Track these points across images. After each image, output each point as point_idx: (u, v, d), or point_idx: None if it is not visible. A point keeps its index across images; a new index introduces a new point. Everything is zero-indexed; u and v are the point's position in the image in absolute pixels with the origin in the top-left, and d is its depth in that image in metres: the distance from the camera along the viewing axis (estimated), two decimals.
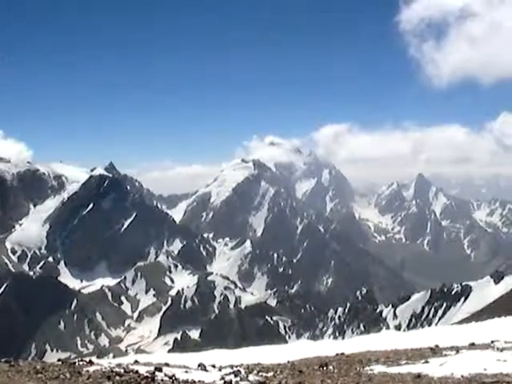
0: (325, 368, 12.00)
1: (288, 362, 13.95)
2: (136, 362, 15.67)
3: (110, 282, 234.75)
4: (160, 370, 12.63)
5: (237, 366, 13.81)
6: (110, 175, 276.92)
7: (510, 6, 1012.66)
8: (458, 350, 13.24)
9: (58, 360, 14.18)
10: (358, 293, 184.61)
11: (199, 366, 13.99)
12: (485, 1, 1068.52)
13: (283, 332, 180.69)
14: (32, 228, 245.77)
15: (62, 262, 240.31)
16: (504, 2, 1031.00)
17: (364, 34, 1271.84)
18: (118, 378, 11.07)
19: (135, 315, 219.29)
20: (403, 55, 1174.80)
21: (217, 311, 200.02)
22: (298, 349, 18.23)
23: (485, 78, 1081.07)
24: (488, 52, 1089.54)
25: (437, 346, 14.89)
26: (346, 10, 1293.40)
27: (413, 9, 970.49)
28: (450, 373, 9.99)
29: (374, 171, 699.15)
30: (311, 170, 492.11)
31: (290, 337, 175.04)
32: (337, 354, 14.94)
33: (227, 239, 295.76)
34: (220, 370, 13.75)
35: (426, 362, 11.02)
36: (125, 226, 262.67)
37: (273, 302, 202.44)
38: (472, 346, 14.51)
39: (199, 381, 11.81)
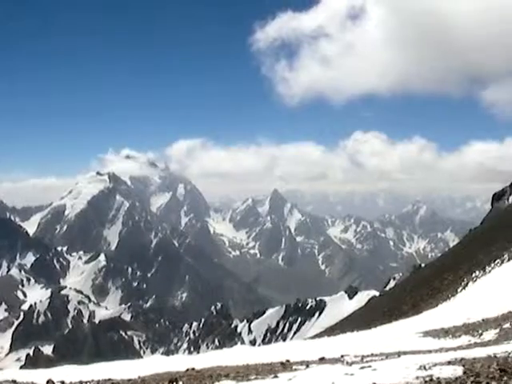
0: (174, 383, 12.61)
1: (139, 377, 14.60)
2: None
3: None
4: None
5: (87, 382, 14.58)
6: None
7: (361, 27, 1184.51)
8: (307, 364, 14.06)
9: None
10: (212, 308, 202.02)
11: (48, 382, 14.59)
12: (337, 23, 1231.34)
13: (138, 347, 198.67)
14: None
15: None
16: (356, 24, 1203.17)
17: (219, 51, 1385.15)
18: None
19: None
20: (257, 74, 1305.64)
21: (70, 326, 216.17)
22: (151, 364, 19.05)
23: (338, 97, 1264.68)
24: (340, 72, 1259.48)
25: (288, 360, 15.97)
26: (201, 27, 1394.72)
27: (267, 29, 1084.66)
28: None
29: (229, 186, 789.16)
30: (166, 184, 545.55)
31: (144, 352, 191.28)
32: (187, 370, 15.65)
33: (81, 253, 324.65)
34: None
35: (276, 376, 11.71)
36: None
37: (127, 317, 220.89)
38: (322, 360, 15.52)
39: None
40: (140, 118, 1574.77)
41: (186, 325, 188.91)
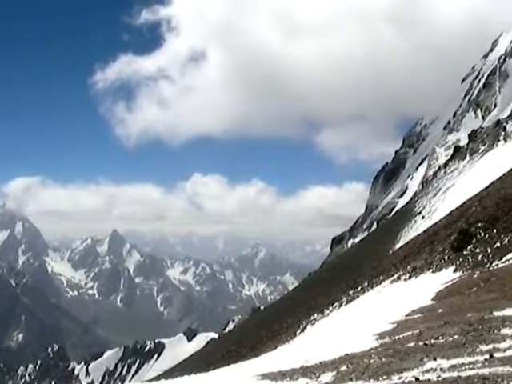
0: None
1: None
2: None
3: None
4: None
5: None
6: None
7: (201, 70, 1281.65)
8: None
9: None
10: (49, 349, 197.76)
11: None
12: (178, 65, 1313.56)
13: None
14: None
15: None
16: (196, 67, 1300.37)
17: (58, 89, 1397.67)
18: None
19: None
20: (96, 114, 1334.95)
21: None
22: None
23: (177, 139, 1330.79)
24: (179, 114, 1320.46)
25: None
26: (41, 64, 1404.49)
27: (107, 70, 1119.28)
28: None
29: (68, 225, 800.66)
30: (4, 222, 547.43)
31: None
32: None
33: None
34: None
35: None
36: None
37: None
38: None
39: None
40: None
41: (22, 367, 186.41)
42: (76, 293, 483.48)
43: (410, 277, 25.70)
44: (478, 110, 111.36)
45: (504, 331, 9.60)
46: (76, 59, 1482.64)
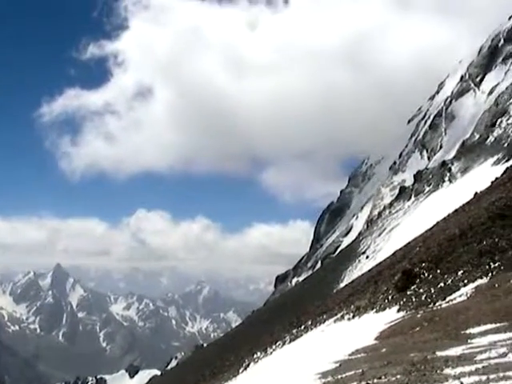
0: None
1: None
2: None
3: None
4: None
5: None
6: None
7: (147, 106, 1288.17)
8: None
9: None
10: None
11: None
12: (125, 101, 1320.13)
13: None
14: None
15: None
16: (143, 103, 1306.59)
17: (4, 123, 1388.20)
18: None
19: None
20: (41, 147, 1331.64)
21: None
22: None
23: (122, 174, 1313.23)
24: (124, 149, 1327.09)
25: None
26: None
27: (53, 104, 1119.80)
28: None
29: (10, 258, 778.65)
30: None
31: None
32: None
33: None
34: None
35: None
36: None
37: None
38: None
39: None
40: None
41: None
42: (17, 327, 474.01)
43: (353, 316, 25.79)
44: (424, 151, 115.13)
45: (447, 371, 9.60)
46: (22, 93, 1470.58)
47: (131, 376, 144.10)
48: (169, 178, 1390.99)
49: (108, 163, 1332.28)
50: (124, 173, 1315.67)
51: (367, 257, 64.90)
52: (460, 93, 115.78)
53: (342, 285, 56.96)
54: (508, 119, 75.99)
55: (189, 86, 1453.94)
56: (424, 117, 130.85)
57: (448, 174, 72.94)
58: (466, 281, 20.16)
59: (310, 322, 32.95)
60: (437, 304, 19.51)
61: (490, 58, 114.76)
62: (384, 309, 23.21)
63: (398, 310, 21.39)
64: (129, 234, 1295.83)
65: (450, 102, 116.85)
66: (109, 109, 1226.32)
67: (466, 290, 19.21)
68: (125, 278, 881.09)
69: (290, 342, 31.12)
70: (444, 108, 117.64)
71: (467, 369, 9.36)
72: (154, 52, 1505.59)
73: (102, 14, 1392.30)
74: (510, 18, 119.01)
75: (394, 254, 40.88)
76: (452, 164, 75.45)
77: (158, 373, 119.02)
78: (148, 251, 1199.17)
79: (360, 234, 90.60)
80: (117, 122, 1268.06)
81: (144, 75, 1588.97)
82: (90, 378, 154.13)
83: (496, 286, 17.69)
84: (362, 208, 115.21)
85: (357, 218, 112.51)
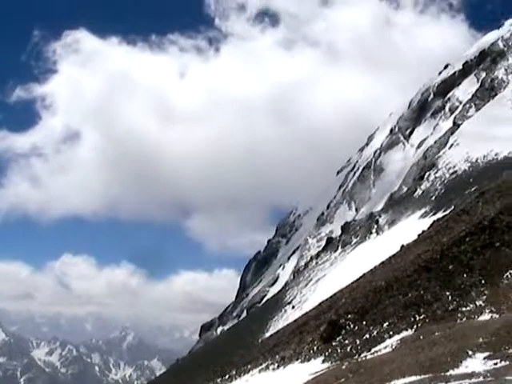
0: None
1: None
2: None
3: None
4: None
5: None
6: None
7: (75, 150, 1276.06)
8: None
9: None
10: None
11: None
12: (52, 144, 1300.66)
13: None
14: None
15: None
16: (71, 146, 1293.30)
17: None
18: None
19: None
20: None
21: None
22: None
23: (47, 217, 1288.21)
24: (50, 192, 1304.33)
25: None
26: None
27: None
28: None
29: None
30: None
31: None
32: None
33: None
34: None
35: None
36: None
37: None
38: None
39: None
40: None
41: None
42: None
43: (278, 366, 25.76)
44: (352, 203, 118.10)
45: None
46: None
47: None
48: (95, 222, 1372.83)
49: (33, 206, 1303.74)
50: (50, 216, 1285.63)
51: (293, 307, 65.07)
52: (389, 145, 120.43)
53: (267, 334, 56.82)
54: (436, 173, 78.81)
55: (117, 130, 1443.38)
56: (353, 168, 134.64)
57: (375, 226, 74.87)
58: (391, 332, 20.50)
59: (234, 372, 32.61)
60: (362, 355, 19.70)
61: (419, 111, 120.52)
62: (309, 359, 23.27)
63: (323, 361, 21.46)
64: (53, 278, 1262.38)
65: (379, 154, 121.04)
66: (36, 152, 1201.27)
67: (392, 341, 19.51)
68: (48, 322, 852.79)
69: None
70: (373, 160, 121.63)
71: None
72: (83, 96, 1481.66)
73: (31, 57, 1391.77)
74: (439, 74, 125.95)
75: (320, 304, 41.20)
76: (379, 216, 77.61)
77: None
78: (72, 296, 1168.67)
79: (286, 284, 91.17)
80: (44, 165, 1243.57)
81: (72, 119, 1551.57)
82: None
83: (421, 337, 18.04)
84: (289, 258, 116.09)
85: (283, 268, 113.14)
